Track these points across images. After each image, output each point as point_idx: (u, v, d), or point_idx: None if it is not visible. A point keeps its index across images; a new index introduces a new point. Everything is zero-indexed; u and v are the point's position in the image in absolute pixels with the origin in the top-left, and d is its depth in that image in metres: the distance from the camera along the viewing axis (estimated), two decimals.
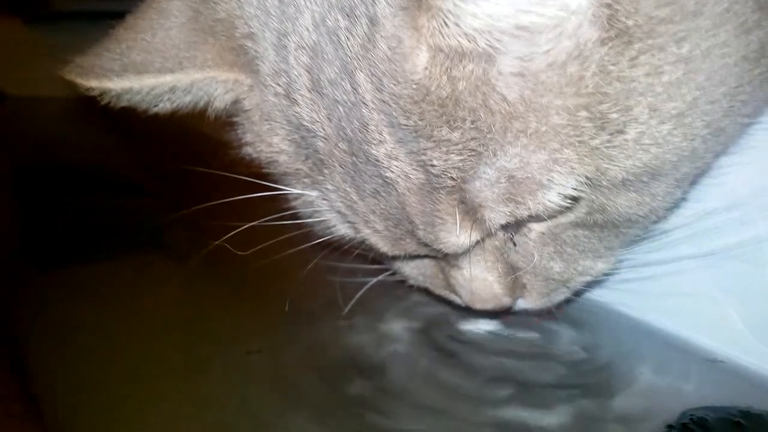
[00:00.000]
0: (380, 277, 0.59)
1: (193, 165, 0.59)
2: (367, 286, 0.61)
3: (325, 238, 0.51)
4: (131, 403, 0.56)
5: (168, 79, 0.46)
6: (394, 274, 0.58)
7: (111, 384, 0.59)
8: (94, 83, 0.46)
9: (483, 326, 0.64)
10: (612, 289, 0.61)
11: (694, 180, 0.47)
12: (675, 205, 0.48)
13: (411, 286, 0.57)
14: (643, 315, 0.62)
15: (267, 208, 0.51)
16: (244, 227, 0.49)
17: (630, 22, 0.35)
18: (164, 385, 0.59)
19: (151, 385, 0.59)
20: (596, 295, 0.64)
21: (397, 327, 0.66)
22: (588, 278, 0.51)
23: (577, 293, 0.53)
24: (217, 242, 0.51)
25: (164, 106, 0.48)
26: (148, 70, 0.46)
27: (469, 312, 0.54)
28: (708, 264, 0.54)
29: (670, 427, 0.47)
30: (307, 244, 0.53)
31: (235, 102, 0.48)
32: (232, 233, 0.50)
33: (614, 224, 0.44)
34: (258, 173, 0.50)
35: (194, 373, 0.61)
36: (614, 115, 0.37)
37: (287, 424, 0.54)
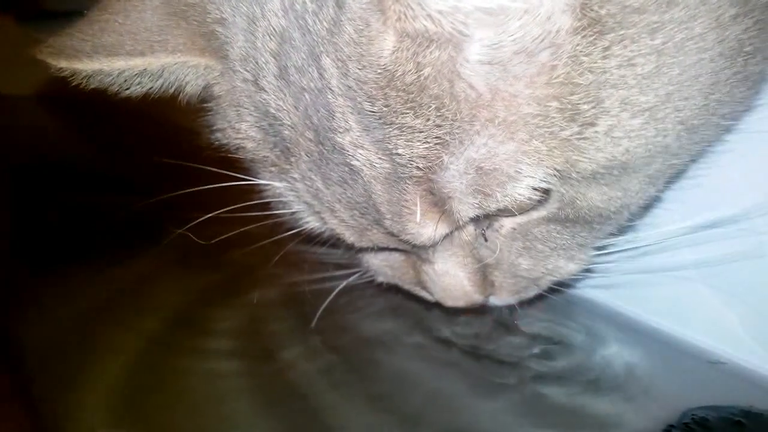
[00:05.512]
0: (350, 279, 0.59)
1: (184, 160, 0.59)
2: (337, 290, 0.60)
3: (296, 230, 0.50)
4: (128, 403, 0.57)
5: (138, 63, 0.45)
6: (363, 275, 0.58)
7: (108, 383, 0.59)
8: (64, 63, 0.46)
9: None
10: (615, 290, 0.62)
11: (671, 180, 0.47)
12: (649, 203, 0.47)
13: (380, 284, 0.56)
14: (645, 317, 0.62)
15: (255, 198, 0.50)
16: (207, 216, 0.49)
17: (603, 11, 0.35)
18: (162, 385, 0.59)
19: (149, 384, 0.59)
20: (599, 296, 0.65)
21: (381, 323, 0.66)
22: (557, 278, 0.50)
23: (554, 290, 0.52)
24: (180, 230, 0.51)
25: (135, 89, 0.47)
26: (118, 53, 0.45)
27: (441, 309, 0.53)
28: (709, 268, 0.54)
29: (671, 426, 0.47)
30: (278, 236, 0.53)
31: (207, 87, 0.48)
32: (194, 222, 0.50)
33: (586, 219, 0.43)
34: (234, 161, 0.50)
35: (193, 372, 0.60)
36: (585, 107, 0.36)
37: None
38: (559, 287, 0.52)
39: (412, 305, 0.63)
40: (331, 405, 0.57)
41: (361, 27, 0.36)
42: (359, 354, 0.63)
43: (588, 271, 0.52)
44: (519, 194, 0.39)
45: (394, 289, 0.56)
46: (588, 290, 0.65)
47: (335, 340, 0.64)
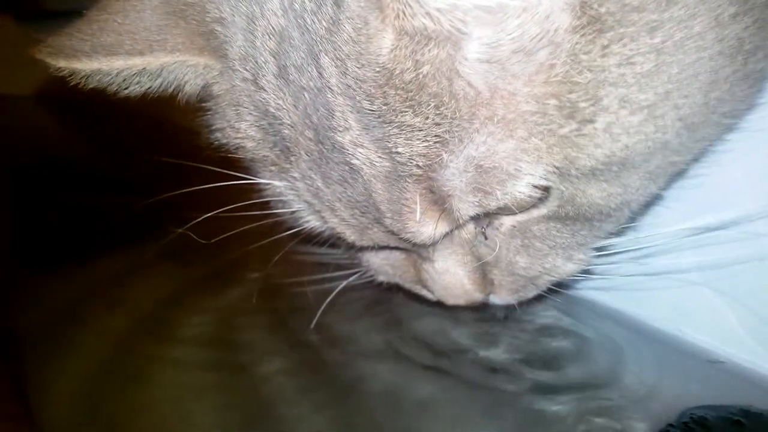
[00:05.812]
0: (351, 279, 0.59)
1: (184, 160, 0.59)
2: (338, 289, 0.60)
3: (296, 230, 0.50)
4: (126, 403, 0.57)
5: (137, 62, 0.45)
6: (363, 275, 0.58)
7: (106, 384, 0.59)
8: (63, 63, 0.46)
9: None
10: (615, 291, 0.61)
11: (672, 178, 0.46)
12: (649, 200, 0.47)
13: (381, 283, 0.56)
14: (645, 316, 0.62)
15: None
16: (207, 215, 0.49)
17: (602, 10, 0.35)
18: (161, 387, 0.59)
19: (147, 385, 0.59)
20: (599, 296, 0.64)
21: (374, 333, 0.66)
22: (555, 278, 0.50)
23: (554, 290, 0.52)
24: (180, 230, 0.51)
25: (134, 89, 0.47)
26: (117, 53, 0.45)
27: (443, 308, 0.53)
28: (710, 269, 0.54)
29: (670, 426, 0.47)
30: (278, 236, 0.52)
31: (206, 87, 0.48)
32: (194, 222, 0.49)
33: (586, 217, 0.43)
34: (233, 160, 0.50)
35: (190, 374, 0.60)
36: (583, 105, 0.36)
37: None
38: (558, 288, 0.52)
39: (402, 314, 0.63)
40: (314, 417, 0.57)
41: (359, 25, 0.36)
42: (346, 366, 0.62)
43: (588, 272, 0.52)
44: (519, 192, 0.39)
45: (386, 297, 0.56)
46: (589, 291, 0.65)
47: (322, 352, 0.64)
